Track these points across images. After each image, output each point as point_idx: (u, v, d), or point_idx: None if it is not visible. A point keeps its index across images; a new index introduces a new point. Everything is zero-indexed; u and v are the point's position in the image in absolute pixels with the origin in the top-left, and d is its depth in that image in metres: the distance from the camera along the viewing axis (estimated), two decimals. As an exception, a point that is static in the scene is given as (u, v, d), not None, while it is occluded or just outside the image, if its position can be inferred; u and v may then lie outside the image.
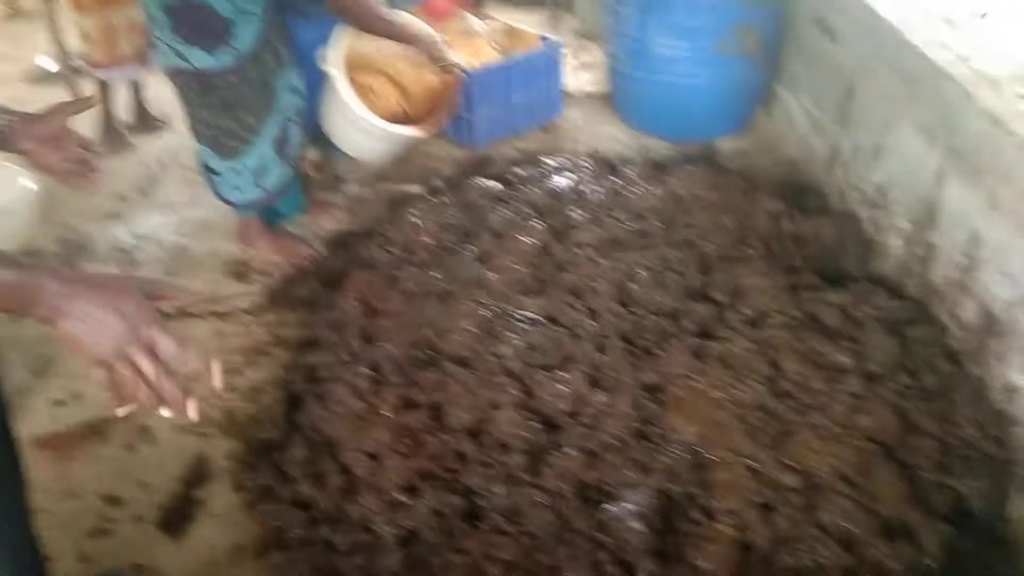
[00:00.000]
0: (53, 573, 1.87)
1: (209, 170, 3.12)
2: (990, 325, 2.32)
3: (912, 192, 2.76)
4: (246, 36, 2.80)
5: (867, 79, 3.12)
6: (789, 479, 2.16)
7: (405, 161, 4.03)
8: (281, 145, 3.06)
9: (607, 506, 2.12)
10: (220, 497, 2.42)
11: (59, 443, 2.60)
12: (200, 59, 2.78)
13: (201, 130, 3.02)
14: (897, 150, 2.88)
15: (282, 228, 3.46)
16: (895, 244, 2.88)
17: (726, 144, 4.06)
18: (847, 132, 3.28)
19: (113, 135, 4.24)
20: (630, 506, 2.09)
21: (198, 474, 2.48)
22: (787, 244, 3.13)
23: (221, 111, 2.93)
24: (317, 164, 3.70)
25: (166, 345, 1.16)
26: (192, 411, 1.18)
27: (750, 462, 2.20)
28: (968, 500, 2.15)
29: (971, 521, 2.15)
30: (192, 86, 2.90)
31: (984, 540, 2.13)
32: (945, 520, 2.10)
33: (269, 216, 3.36)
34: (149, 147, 4.31)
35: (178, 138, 4.16)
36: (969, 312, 2.43)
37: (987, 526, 2.16)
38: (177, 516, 2.35)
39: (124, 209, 3.78)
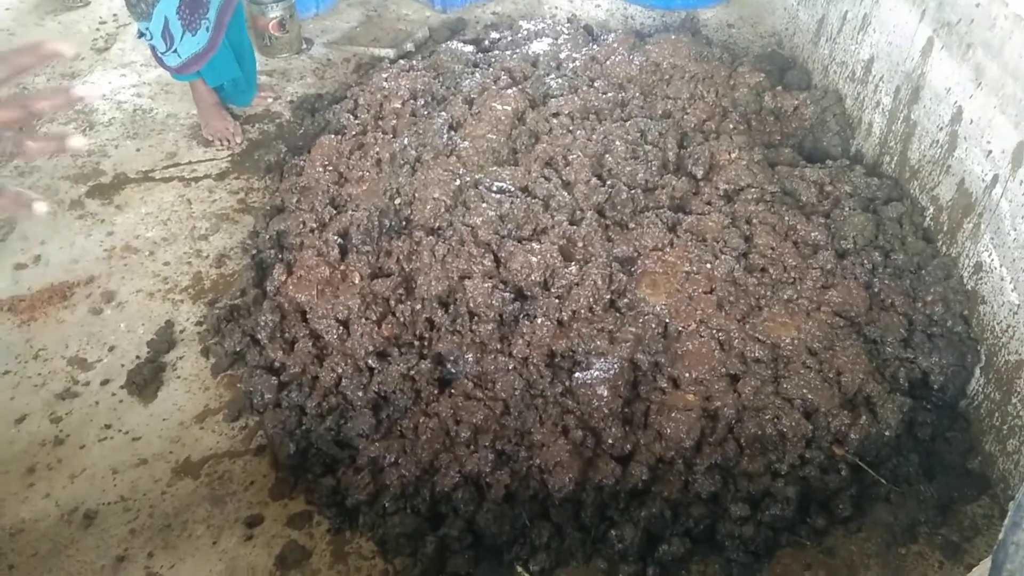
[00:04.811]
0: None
1: (140, 34, 2.95)
2: (966, 204, 2.31)
3: (898, 67, 2.69)
4: None
5: (860, -55, 2.99)
6: (756, 351, 2.19)
7: (375, 23, 3.85)
8: (185, 9, 2.80)
9: (576, 374, 2.14)
10: (188, 361, 2.41)
11: (23, 306, 2.55)
12: None
13: None
14: (885, 21, 2.78)
15: (228, 108, 3.29)
16: (876, 121, 2.83)
17: (710, 14, 3.92)
18: (835, 2, 3.17)
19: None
20: (598, 373, 2.11)
21: (166, 339, 2.46)
22: (767, 119, 3.07)
23: None
24: (281, 23, 3.52)
25: None
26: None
27: (718, 333, 2.22)
28: (930, 376, 2.20)
29: (932, 396, 2.21)
30: None
31: (943, 414, 2.19)
32: (905, 394, 2.15)
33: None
34: (104, 2, 4.07)
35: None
36: (946, 191, 2.42)
37: (947, 401, 2.22)
38: (146, 380, 2.34)
39: (80, 68, 3.60)
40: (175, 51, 2.86)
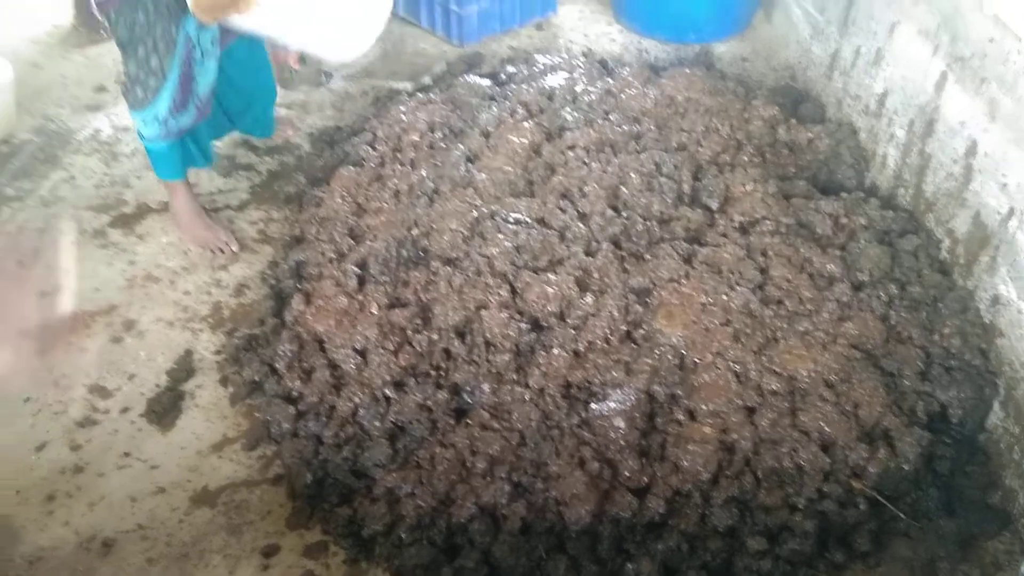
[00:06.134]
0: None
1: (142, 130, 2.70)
2: (982, 237, 2.31)
3: (911, 100, 2.71)
4: None
5: (873, -19, 3.02)
6: (773, 383, 2.19)
7: (393, 57, 3.91)
8: (179, 93, 2.56)
9: (592, 405, 2.14)
10: (207, 390, 2.43)
11: (44, 334, 2.58)
12: None
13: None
14: (898, 56, 2.81)
15: (212, 215, 3.00)
16: (891, 154, 2.85)
17: (724, 48, 3.96)
18: (848, 37, 3.20)
19: (91, 21, 4.08)
20: (614, 405, 2.11)
21: (185, 367, 2.48)
22: (782, 152, 3.09)
23: (129, 48, 2.48)
24: (301, 57, 3.58)
25: None
26: None
27: (735, 366, 2.22)
28: (949, 409, 2.19)
29: (950, 429, 2.20)
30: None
31: (962, 448, 2.18)
32: (924, 428, 2.14)
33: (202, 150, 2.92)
34: (128, 36, 4.15)
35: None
36: (961, 224, 2.43)
37: (966, 435, 2.20)
38: (165, 408, 2.36)
39: (104, 100, 3.67)
40: (164, 122, 2.61)
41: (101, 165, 3.25)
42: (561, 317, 2.37)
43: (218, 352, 2.53)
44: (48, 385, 2.42)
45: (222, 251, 2.87)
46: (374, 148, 3.09)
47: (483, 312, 2.35)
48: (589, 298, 2.36)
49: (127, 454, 2.26)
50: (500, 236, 2.53)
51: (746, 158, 2.98)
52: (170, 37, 2.43)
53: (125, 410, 2.38)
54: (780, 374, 2.21)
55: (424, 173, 2.85)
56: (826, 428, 2.10)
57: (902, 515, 2.03)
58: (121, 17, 2.39)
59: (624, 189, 2.75)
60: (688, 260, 2.50)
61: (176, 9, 2.39)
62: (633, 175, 2.78)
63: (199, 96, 2.62)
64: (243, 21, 2.32)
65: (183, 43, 2.46)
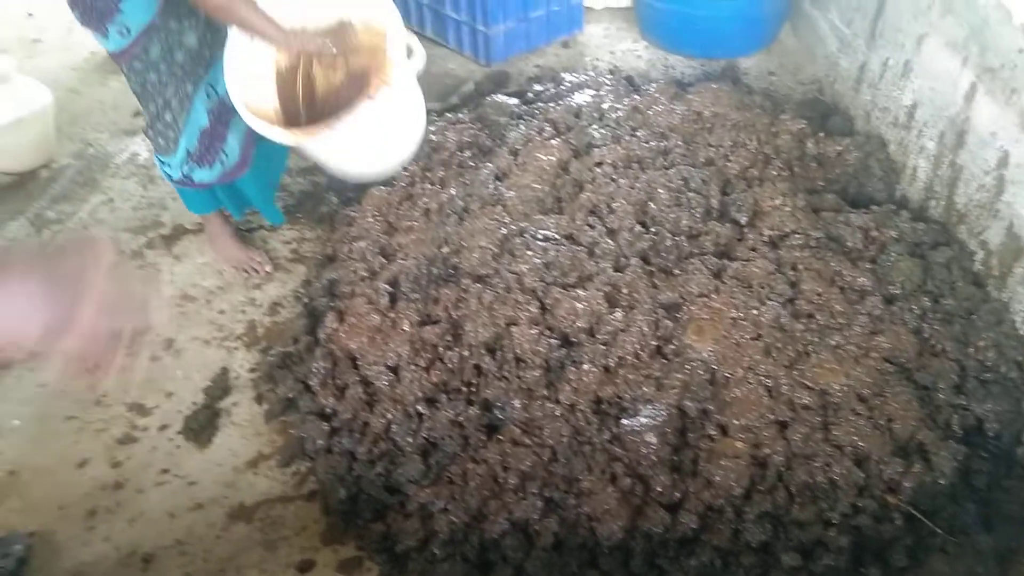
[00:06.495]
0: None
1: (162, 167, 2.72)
2: (1016, 248, 2.29)
3: (941, 112, 2.69)
4: (136, 14, 2.28)
5: (900, -6, 3.02)
6: (805, 397, 2.18)
7: (422, 78, 3.96)
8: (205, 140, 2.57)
9: (623, 420, 2.15)
10: (242, 408, 2.47)
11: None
12: (101, 43, 2.35)
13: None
14: (927, 68, 2.80)
15: (246, 235, 3.07)
16: (921, 166, 2.83)
17: (750, 63, 3.96)
18: (876, 50, 3.19)
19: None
20: (646, 420, 2.12)
21: (221, 385, 2.53)
22: (810, 165, 3.08)
23: (142, 101, 2.50)
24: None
25: None
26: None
27: (766, 380, 2.22)
28: (985, 423, 2.17)
29: (987, 443, 2.17)
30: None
31: (999, 462, 2.15)
32: (960, 442, 2.12)
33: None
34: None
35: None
36: (995, 235, 2.41)
37: (1003, 449, 2.18)
38: (202, 425, 2.41)
39: (141, 125, 3.75)
40: (181, 168, 2.63)
41: (138, 188, 3.33)
42: (591, 333, 2.38)
43: (253, 370, 2.58)
44: (90, 403, 2.48)
45: (256, 271, 2.92)
46: (404, 168, 3.13)
47: (513, 328, 2.36)
48: (619, 314, 2.37)
49: (166, 471, 2.31)
50: (529, 253, 2.55)
51: (774, 172, 2.98)
52: (184, 95, 2.45)
53: (163, 427, 2.42)
54: (812, 388, 2.20)
55: (454, 192, 2.88)
56: (860, 442, 2.09)
57: (939, 530, 2.01)
58: (132, 73, 2.40)
59: (652, 205, 2.76)
60: (718, 275, 2.50)
61: (192, 67, 2.42)
62: (661, 191, 2.78)
63: (227, 154, 2.63)
64: (314, 146, 2.45)
65: (204, 100, 2.50)
